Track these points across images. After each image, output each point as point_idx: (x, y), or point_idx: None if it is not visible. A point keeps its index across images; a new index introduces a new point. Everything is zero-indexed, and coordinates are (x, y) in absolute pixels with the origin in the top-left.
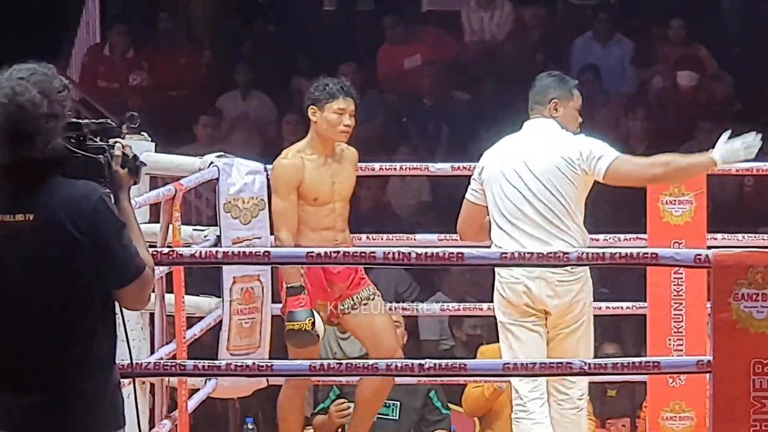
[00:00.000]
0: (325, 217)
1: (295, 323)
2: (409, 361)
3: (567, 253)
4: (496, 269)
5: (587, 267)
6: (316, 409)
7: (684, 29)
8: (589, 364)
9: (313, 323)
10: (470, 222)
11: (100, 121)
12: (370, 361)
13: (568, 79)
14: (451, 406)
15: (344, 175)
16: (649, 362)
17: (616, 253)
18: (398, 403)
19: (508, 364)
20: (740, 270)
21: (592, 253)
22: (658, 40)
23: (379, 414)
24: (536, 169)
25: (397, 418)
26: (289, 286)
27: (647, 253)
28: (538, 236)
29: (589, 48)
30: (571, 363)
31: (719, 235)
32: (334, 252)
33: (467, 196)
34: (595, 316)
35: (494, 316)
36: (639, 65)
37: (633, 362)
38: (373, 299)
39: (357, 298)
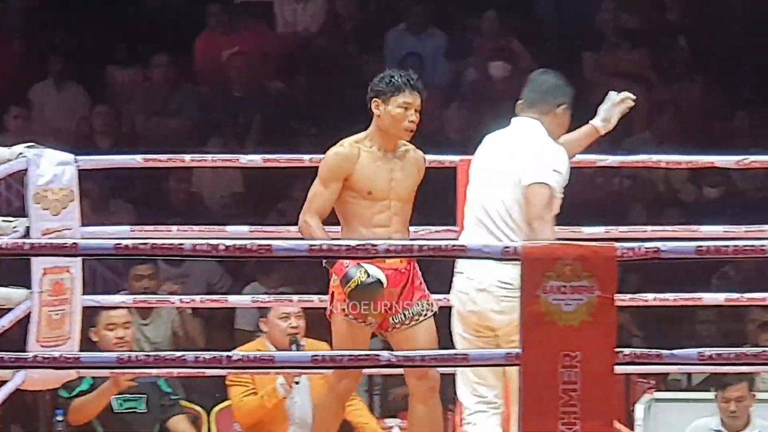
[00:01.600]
0: (379, 213)
1: (351, 282)
2: (216, 354)
3: (375, 245)
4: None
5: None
6: (72, 393)
7: (497, 21)
8: (397, 356)
9: (367, 272)
10: None
11: None
12: (178, 354)
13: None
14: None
15: (405, 174)
16: (457, 354)
17: (424, 245)
18: (145, 396)
19: (317, 356)
20: (549, 262)
21: (402, 245)
22: (472, 33)
23: (128, 408)
24: (501, 173)
25: (145, 410)
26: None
27: (456, 246)
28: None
29: (403, 40)
30: (378, 355)
31: None
32: (142, 244)
33: None
34: None
35: (316, 308)
36: (452, 57)
37: (442, 354)
38: (423, 317)
39: (408, 313)
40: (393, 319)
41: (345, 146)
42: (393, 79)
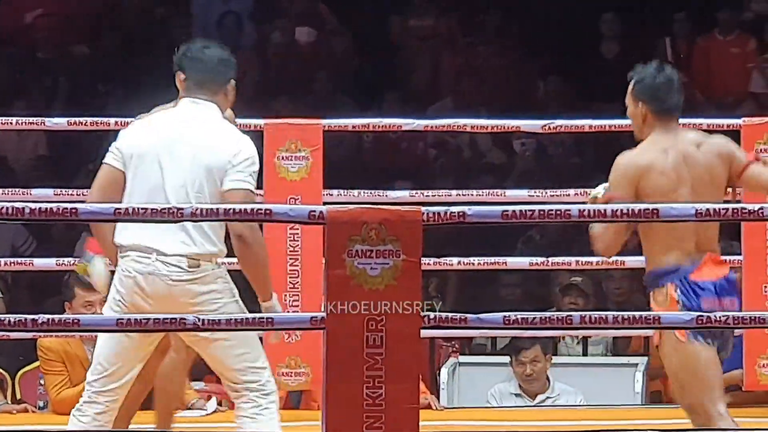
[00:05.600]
0: None
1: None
2: (22, 317)
3: (181, 209)
4: (120, 260)
5: (218, 268)
6: None
7: None
8: (203, 320)
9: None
10: None
11: None
12: None
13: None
14: None
15: None
16: (262, 318)
17: (230, 209)
18: None
19: (122, 319)
20: (354, 226)
21: (206, 209)
22: None
23: None
24: (203, 163)
25: None
26: None
27: (261, 209)
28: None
29: (210, 2)
30: (184, 318)
31: (336, 191)
32: None
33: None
34: None
35: None
36: (258, 20)
37: (247, 318)
38: None
39: None
40: None
41: None
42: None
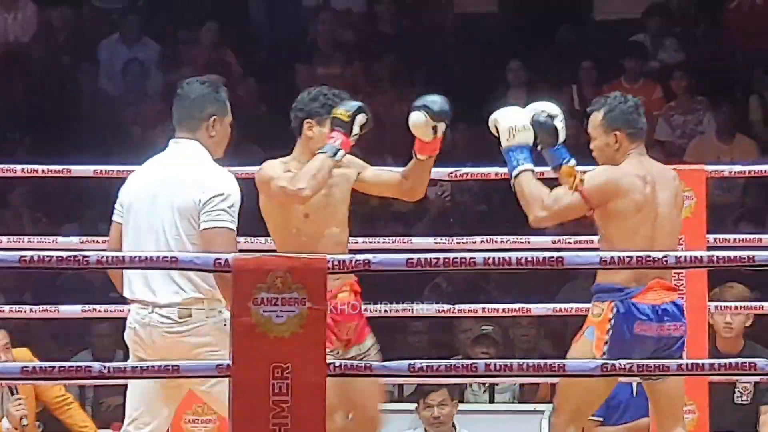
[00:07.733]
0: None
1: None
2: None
3: (176, 258)
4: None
5: (213, 317)
6: None
7: (216, 33)
8: (108, 368)
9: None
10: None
11: None
12: None
13: (220, 87)
14: None
15: (339, 196)
16: (168, 366)
17: (144, 257)
18: None
19: (27, 367)
20: (260, 274)
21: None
22: (187, 44)
23: None
24: (174, 204)
25: None
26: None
27: (167, 257)
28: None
29: (116, 50)
30: (90, 366)
31: (242, 239)
32: None
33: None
34: None
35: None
36: (165, 68)
37: (152, 366)
38: (371, 353)
39: (361, 348)
40: (346, 353)
41: (276, 163)
42: (329, 100)
